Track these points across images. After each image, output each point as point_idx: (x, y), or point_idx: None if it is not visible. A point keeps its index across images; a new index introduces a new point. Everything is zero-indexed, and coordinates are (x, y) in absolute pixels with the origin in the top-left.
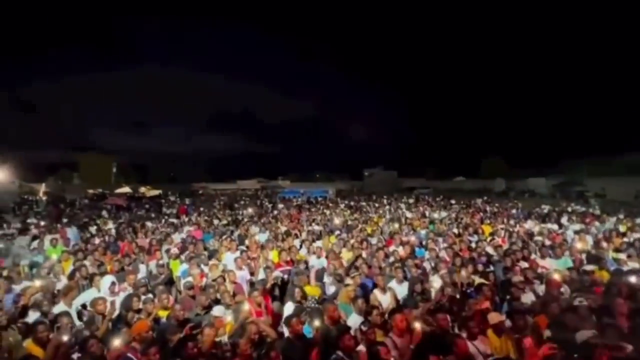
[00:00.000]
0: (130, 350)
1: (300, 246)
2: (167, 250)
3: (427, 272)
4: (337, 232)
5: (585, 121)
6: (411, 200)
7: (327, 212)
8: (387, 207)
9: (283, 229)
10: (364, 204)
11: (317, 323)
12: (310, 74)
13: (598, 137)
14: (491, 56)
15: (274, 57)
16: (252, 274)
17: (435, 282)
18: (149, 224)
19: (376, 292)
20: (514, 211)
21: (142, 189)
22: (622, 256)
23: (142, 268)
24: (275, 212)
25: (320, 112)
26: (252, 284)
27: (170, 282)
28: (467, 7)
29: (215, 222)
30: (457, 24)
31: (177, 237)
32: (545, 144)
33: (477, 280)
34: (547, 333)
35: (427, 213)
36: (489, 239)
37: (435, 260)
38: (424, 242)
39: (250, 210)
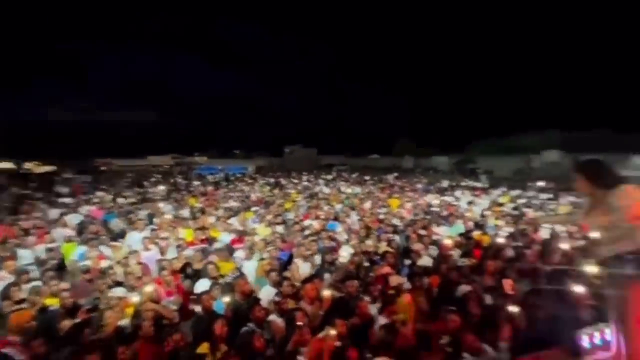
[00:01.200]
0: (8, 345)
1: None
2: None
3: (340, 243)
4: (255, 208)
5: (478, 107)
6: (329, 177)
7: (246, 188)
8: (306, 183)
9: (198, 206)
10: (283, 180)
11: (226, 298)
12: (231, 46)
13: (488, 122)
14: (403, 42)
15: (193, 26)
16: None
17: (345, 252)
18: (36, 204)
19: (297, 261)
20: (418, 186)
21: (29, 165)
22: (501, 222)
23: (27, 254)
24: (191, 189)
25: (241, 87)
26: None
27: (62, 267)
28: None
29: (120, 200)
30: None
31: (73, 219)
32: (447, 127)
33: (383, 248)
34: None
35: (342, 188)
36: (396, 211)
37: (347, 231)
38: (338, 216)
39: (161, 187)
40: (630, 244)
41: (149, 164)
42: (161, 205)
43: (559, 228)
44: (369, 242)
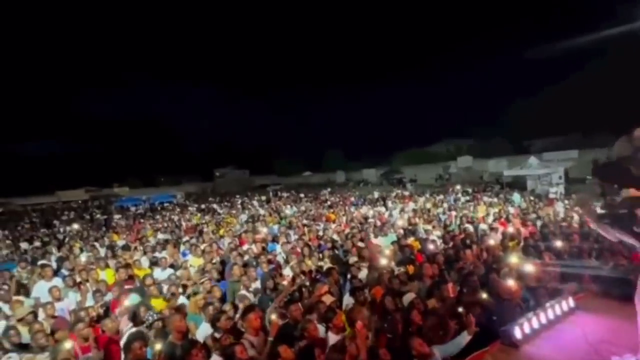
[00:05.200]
0: None
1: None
2: None
3: (281, 265)
4: (186, 238)
5: (401, 119)
6: (264, 198)
7: (175, 217)
8: (240, 206)
9: (120, 242)
10: (215, 205)
11: (157, 346)
12: (147, 66)
13: (410, 133)
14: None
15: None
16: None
17: (286, 274)
18: None
19: (243, 292)
20: (352, 199)
21: None
22: (429, 227)
23: None
24: (112, 224)
25: (161, 112)
26: None
27: None
28: None
29: (24, 245)
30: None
31: None
32: (374, 139)
33: (327, 264)
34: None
35: (279, 208)
36: (333, 226)
37: (287, 252)
38: (277, 238)
39: (75, 225)
40: None
41: (58, 199)
42: (76, 245)
43: (484, 226)
44: (309, 262)
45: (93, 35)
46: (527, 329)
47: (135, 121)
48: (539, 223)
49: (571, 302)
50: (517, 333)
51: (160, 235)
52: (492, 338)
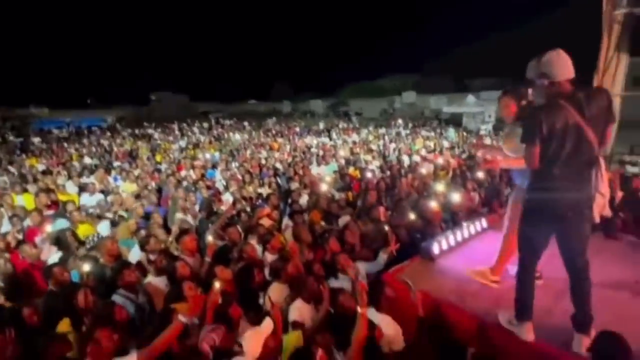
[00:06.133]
0: None
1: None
2: None
3: (220, 192)
4: (118, 164)
5: (350, 52)
6: (206, 125)
7: (105, 142)
8: (178, 132)
9: (40, 167)
10: (151, 131)
11: (86, 267)
12: None
13: (358, 65)
14: None
15: None
16: None
17: (226, 199)
18: None
19: (179, 215)
20: (297, 129)
21: None
22: (369, 157)
23: None
24: (31, 147)
25: (89, 25)
26: None
27: None
28: None
29: None
30: None
31: None
32: (322, 70)
33: (266, 191)
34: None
35: (220, 136)
36: (277, 155)
37: (226, 179)
38: (217, 164)
39: None
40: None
41: None
42: None
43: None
44: (250, 188)
45: None
46: (444, 245)
47: (56, 32)
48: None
49: (484, 222)
50: (435, 248)
51: (88, 160)
52: (415, 254)
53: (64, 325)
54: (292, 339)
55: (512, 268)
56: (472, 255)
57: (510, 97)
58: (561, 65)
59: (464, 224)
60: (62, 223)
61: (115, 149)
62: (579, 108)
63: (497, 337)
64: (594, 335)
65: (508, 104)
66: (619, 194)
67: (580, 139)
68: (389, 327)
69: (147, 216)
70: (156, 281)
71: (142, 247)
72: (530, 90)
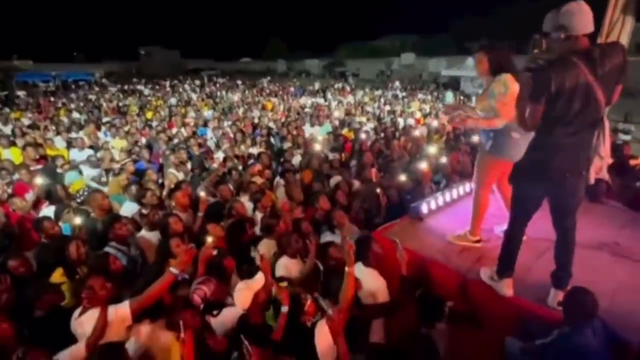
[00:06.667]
0: None
1: None
2: None
3: (212, 150)
4: (107, 119)
5: (349, 10)
6: (198, 82)
7: (93, 97)
8: (169, 89)
9: (26, 121)
10: (141, 87)
11: (77, 220)
12: None
13: (355, 26)
14: None
15: None
16: None
17: (218, 157)
18: None
19: (171, 171)
20: (292, 89)
21: None
22: (363, 119)
23: None
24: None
25: None
26: None
27: None
28: None
29: None
30: None
31: None
32: (319, 29)
33: (258, 150)
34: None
35: (213, 94)
36: (270, 114)
37: (218, 137)
38: (208, 123)
39: None
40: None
41: None
42: None
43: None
44: (242, 147)
45: None
46: (432, 206)
47: None
48: None
49: (473, 184)
50: (424, 208)
51: (76, 115)
52: (404, 213)
53: (57, 276)
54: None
55: (499, 227)
56: (460, 216)
57: (483, 52)
58: (581, 17)
59: (454, 186)
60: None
61: (104, 104)
62: (592, 66)
63: (476, 292)
64: (567, 291)
65: (481, 60)
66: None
67: (588, 99)
68: (373, 280)
69: (136, 173)
70: (149, 235)
71: (139, 201)
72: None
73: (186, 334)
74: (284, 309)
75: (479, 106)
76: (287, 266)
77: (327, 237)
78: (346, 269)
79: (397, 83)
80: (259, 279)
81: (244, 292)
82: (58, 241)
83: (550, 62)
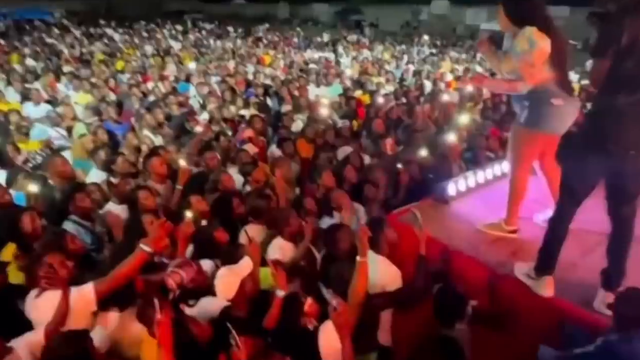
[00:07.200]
0: None
1: None
2: None
3: (195, 111)
4: (69, 69)
5: None
6: (180, 27)
7: (52, 41)
8: (145, 35)
9: None
10: (110, 31)
11: (32, 187)
12: None
13: None
14: None
15: None
16: None
17: (202, 119)
18: None
19: (146, 133)
20: (295, 40)
21: None
22: (382, 80)
23: None
24: None
25: None
26: None
27: None
28: None
29: None
30: None
31: None
32: None
33: (251, 112)
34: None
35: (198, 42)
36: (267, 70)
37: (203, 95)
38: (192, 77)
39: None
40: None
41: None
42: None
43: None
44: (232, 108)
45: None
46: (461, 187)
47: None
48: None
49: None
50: (451, 190)
51: (31, 62)
52: (426, 194)
53: (8, 252)
54: (268, 276)
55: (538, 215)
56: (489, 199)
57: (501, 2)
58: None
59: (489, 165)
60: None
61: (65, 50)
62: None
63: (507, 291)
64: (619, 292)
65: (500, 11)
66: None
67: None
68: (385, 270)
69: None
70: (117, 210)
71: (107, 168)
72: None
73: (161, 325)
74: (280, 293)
75: (505, 68)
76: (283, 248)
77: (324, 221)
78: (358, 258)
79: (425, 37)
80: (245, 266)
81: (228, 280)
82: (9, 211)
83: (623, 6)
